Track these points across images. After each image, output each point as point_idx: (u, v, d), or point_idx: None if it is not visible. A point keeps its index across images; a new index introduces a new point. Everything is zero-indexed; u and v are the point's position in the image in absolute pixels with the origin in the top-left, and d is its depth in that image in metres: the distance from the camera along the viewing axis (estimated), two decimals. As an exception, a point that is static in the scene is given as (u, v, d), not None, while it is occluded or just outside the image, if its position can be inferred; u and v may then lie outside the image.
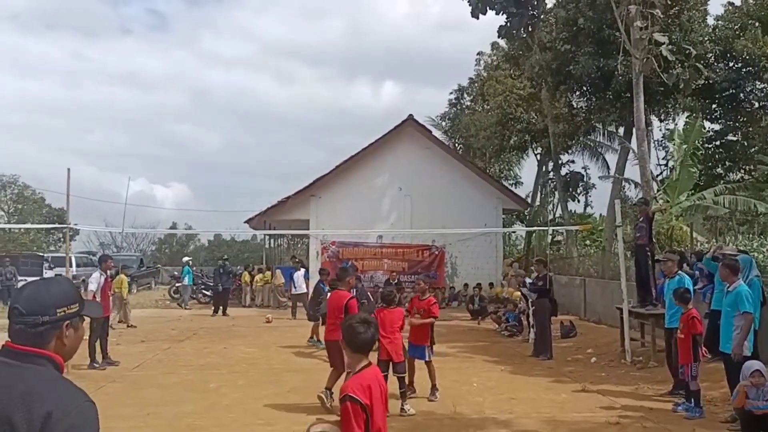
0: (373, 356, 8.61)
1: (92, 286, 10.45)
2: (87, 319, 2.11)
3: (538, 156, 32.13)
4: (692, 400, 7.54)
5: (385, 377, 7.32)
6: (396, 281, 20.68)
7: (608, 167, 28.33)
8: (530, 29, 23.72)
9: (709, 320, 8.38)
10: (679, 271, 8.50)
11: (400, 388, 7.48)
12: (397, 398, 7.32)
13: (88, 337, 10.42)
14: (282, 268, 23.15)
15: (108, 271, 11.09)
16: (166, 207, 65.19)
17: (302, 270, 18.71)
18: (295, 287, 18.40)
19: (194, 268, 24.87)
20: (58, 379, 1.86)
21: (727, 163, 24.32)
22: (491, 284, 20.96)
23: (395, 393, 7.20)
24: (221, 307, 19.58)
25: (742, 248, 11.61)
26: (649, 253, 11.05)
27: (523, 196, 29.58)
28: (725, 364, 7.17)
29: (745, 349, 6.82)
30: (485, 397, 8.40)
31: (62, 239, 38.69)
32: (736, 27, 21.41)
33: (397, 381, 7.49)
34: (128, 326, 16.08)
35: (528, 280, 14.91)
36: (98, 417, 1.85)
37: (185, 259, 23.85)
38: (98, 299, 10.38)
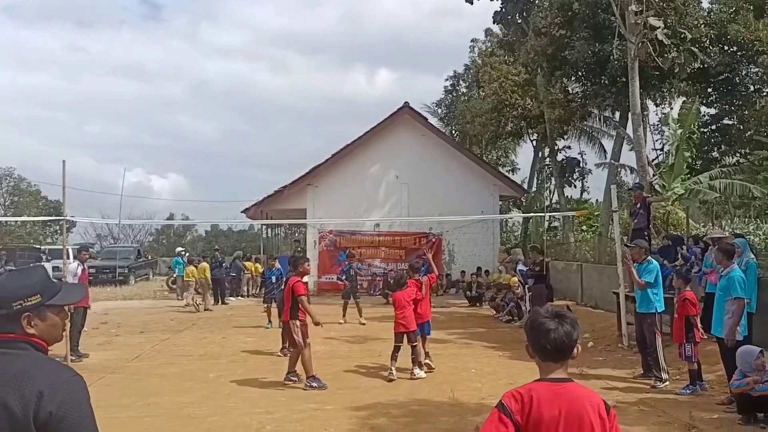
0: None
1: (69, 278, 10.36)
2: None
3: (534, 142, 32.14)
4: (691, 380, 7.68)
5: (398, 348, 8.60)
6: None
7: (605, 152, 28.38)
8: (525, 14, 23.63)
9: (705, 304, 8.46)
10: (649, 257, 8.58)
11: (412, 354, 8.84)
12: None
13: (69, 329, 10.36)
14: (281, 258, 23.14)
15: (85, 263, 11.25)
16: (162, 198, 65.19)
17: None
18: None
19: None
20: (43, 359, 1.95)
21: (722, 147, 24.33)
22: (487, 271, 21.01)
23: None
24: (220, 297, 19.69)
25: (738, 232, 11.70)
26: (646, 238, 11.09)
27: (520, 183, 29.62)
28: (720, 348, 7.24)
29: (737, 333, 6.88)
30: (483, 383, 8.46)
31: (59, 231, 38.71)
32: (730, 11, 21.35)
33: (411, 349, 8.81)
34: (206, 309, 17.82)
35: (520, 267, 14.96)
36: (87, 389, 1.91)
37: (178, 249, 23.87)
38: None
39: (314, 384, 7.99)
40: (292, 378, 8.29)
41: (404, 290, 8.89)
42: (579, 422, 2.17)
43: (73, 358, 10.11)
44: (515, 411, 2.18)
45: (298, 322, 8.08)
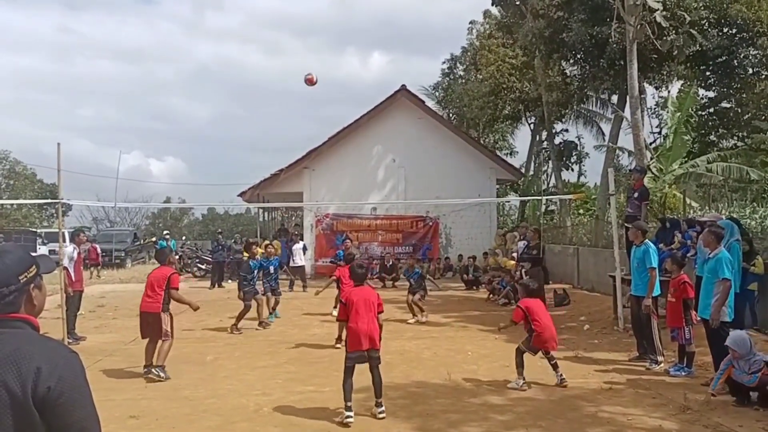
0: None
1: (65, 261, 10.33)
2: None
3: (532, 125, 32.06)
4: (685, 362, 7.73)
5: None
6: (391, 263, 20.02)
7: (602, 135, 28.34)
8: (523, -4, 23.42)
9: (696, 286, 8.49)
10: (646, 240, 8.59)
11: None
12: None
13: (65, 314, 10.32)
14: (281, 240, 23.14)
15: (81, 246, 11.27)
16: (158, 181, 65.08)
17: (300, 243, 18.70)
18: (293, 260, 18.34)
19: (188, 242, 24.84)
20: (38, 337, 1.97)
21: (720, 130, 24.27)
22: (485, 254, 21.03)
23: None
24: (218, 280, 19.74)
25: (734, 215, 11.70)
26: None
27: (517, 166, 29.58)
28: (706, 331, 7.26)
29: (723, 314, 6.91)
30: (480, 365, 8.51)
31: (55, 215, 38.62)
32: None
33: None
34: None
35: (521, 244, 14.99)
36: (83, 365, 1.94)
37: (165, 233, 23.99)
38: (72, 274, 10.42)
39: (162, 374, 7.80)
40: (160, 373, 7.84)
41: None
42: (368, 299, 6.19)
43: (71, 341, 10.14)
44: (344, 298, 6.41)
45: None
